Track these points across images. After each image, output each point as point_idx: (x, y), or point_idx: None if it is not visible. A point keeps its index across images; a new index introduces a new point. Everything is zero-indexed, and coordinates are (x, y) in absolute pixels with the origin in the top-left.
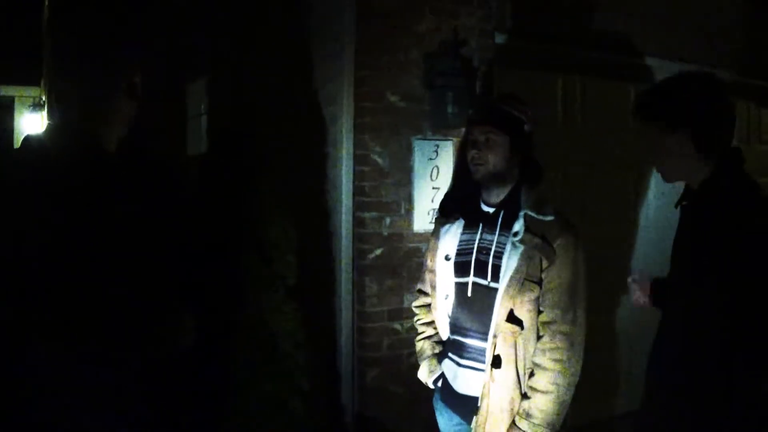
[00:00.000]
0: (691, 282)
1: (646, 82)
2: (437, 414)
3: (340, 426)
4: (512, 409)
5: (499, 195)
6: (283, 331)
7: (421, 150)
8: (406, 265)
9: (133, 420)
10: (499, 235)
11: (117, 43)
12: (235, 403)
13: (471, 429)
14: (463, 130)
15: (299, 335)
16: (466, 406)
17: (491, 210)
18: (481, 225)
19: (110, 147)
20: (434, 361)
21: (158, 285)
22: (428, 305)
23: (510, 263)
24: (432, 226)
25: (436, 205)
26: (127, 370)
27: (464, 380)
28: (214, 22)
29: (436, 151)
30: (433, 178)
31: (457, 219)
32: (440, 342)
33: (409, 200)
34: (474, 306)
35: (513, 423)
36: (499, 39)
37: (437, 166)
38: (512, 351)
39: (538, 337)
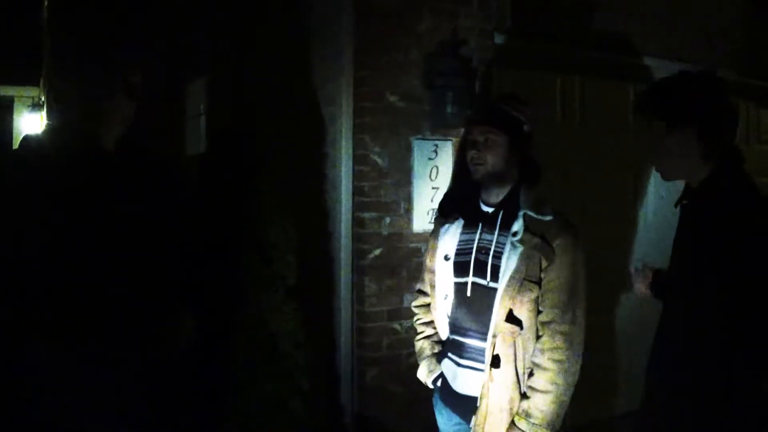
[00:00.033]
0: (691, 282)
1: (645, 82)
2: (436, 414)
3: (340, 426)
4: (511, 409)
5: (498, 195)
6: (283, 331)
7: (420, 150)
8: (406, 265)
9: (133, 420)
10: (498, 235)
11: (116, 43)
12: (235, 403)
13: (470, 429)
14: (463, 130)
15: (299, 335)
16: (466, 406)
17: (490, 210)
18: (480, 225)
19: (109, 147)
20: (433, 361)
21: (158, 285)
22: (428, 305)
23: (509, 263)
24: (431, 226)
25: (436, 205)
26: (127, 370)
27: (463, 380)
28: (214, 22)
29: (436, 151)
30: (432, 178)
31: (457, 219)
32: (440, 342)
33: (409, 200)
34: (473, 306)
35: (512, 423)
36: (499, 39)
37: (436, 166)
38: (511, 351)
39: (538, 337)
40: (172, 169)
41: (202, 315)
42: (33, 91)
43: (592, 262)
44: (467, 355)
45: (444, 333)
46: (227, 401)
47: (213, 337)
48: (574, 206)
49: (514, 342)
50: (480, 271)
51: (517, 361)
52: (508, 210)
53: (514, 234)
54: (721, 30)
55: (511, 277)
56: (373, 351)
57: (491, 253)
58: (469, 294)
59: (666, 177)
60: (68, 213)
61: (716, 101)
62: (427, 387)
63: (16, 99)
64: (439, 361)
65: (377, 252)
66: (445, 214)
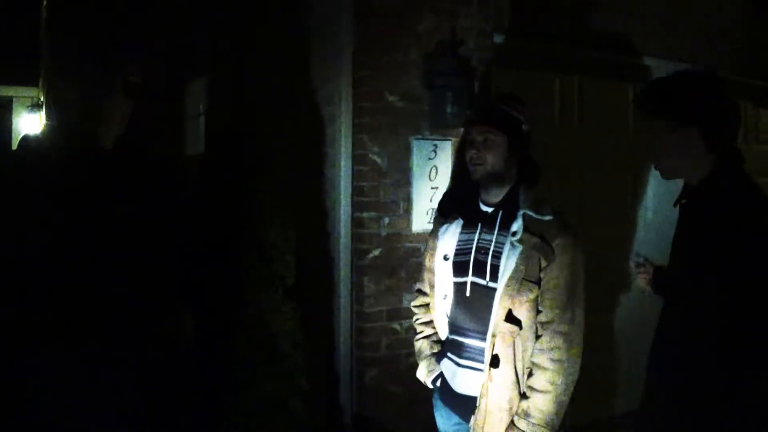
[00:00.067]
0: (690, 281)
1: (645, 82)
2: (436, 413)
3: (339, 426)
4: (511, 409)
5: (497, 195)
6: (283, 331)
7: (419, 150)
8: (405, 265)
9: (133, 420)
10: (497, 234)
11: (115, 43)
12: (235, 403)
13: (470, 428)
14: (462, 130)
15: (298, 335)
16: (465, 406)
17: (490, 210)
18: (479, 225)
19: (109, 147)
20: (433, 361)
21: (158, 285)
22: (427, 305)
23: (509, 263)
24: (430, 226)
25: (435, 205)
26: (127, 370)
27: (463, 380)
28: (213, 22)
29: (435, 151)
30: (431, 178)
31: (456, 219)
32: (439, 341)
33: (408, 200)
34: (473, 306)
35: (512, 422)
36: (498, 39)
37: (436, 166)
38: (511, 351)
39: (537, 337)
40: (171, 169)
41: (202, 315)
42: (32, 92)
43: (591, 262)
44: (466, 355)
45: (443, 333)
46: (227, 401)
47: (213, 337)
48: (573, 206)
49: (514, 342)
50: (479, 271)
51: (517, 361)
52: (508, 210)
53: (514, 234)
54: (721, 30)
55: (511, 277)
56: (372, 351)
57: (490, 252)
58: (468, 294)
59: (665, 176)
60: (68, 213)
61: (720, 100)
62: (427, 387)
63: (14, 99)
64: (438, 361)
65: (376, 252)
66: (444, 213)
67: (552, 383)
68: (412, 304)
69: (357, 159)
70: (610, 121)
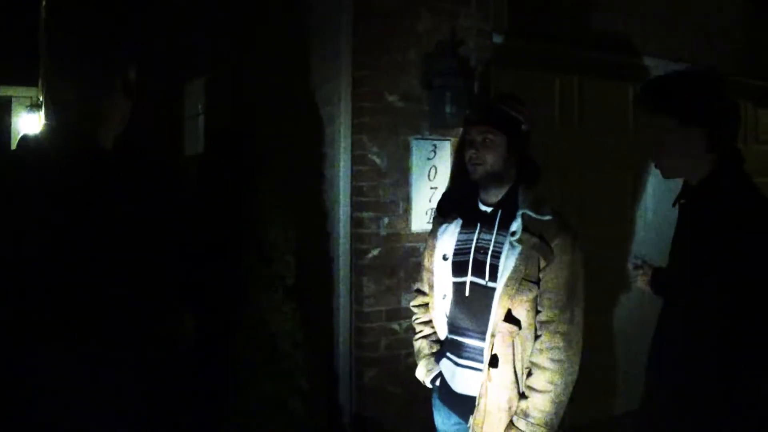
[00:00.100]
0: (690, 281)
1: (645, 82)
2: (435, 413)
3: (338, 426)
4: (510, 409)
5: (496, 195)
6: (283, 331)
7: (418, 150)
8: (404, 265)
9: (133, 420)
10: (496, 234)
11: (114, 43)
12: (235, 403)
13: (469, 428)
14: (461, 130)
15: (298, 335)
16: (464, 406)
17: (489, 210)
18: (478, 225)
19: (108, 147)
20: (432, 360)
21: (158, 285)
22: (426, 304)
23: (508, 263)
24: (430, 226)
25: (434, 204)
26: (127, 370)
27: (462, 380)
28: (213, 22)
29: (434, 151)
30: (430, 177)
31: (455, 219)
32: (438, 341)
33: (407, 200)
34: (472, 306)
35: (511, 422)
36: (497, 39)
37: (435, 166)
38: (510, 351)
39: (536, 337)
40: (171, 169)
41: (202, 315)
42: (31, 92)
43: (591, 262)
44: (466, 355)
45: (442, 333)
46: (227, 401)
47: (213, 337)
48: (573, 206)
49: (513, 342)
50: (478, 271)
51: (516, 361)
52: (507, 210)
53: (513, 234)
54: (721, 30)
55: (510, 277)
56: (371, 351)
57: (490, 252)
58: (467, 294)
59: (666, 175)
60: (68, 213)
61: (722, 101)
62: (426, 387)
63: (13, 99)
64: (437, 361)
65: (375, 252)
66: (443, 213)
67: (551, 383)
68: (411, 303)
69: (356, 159)
70: (610, 121)
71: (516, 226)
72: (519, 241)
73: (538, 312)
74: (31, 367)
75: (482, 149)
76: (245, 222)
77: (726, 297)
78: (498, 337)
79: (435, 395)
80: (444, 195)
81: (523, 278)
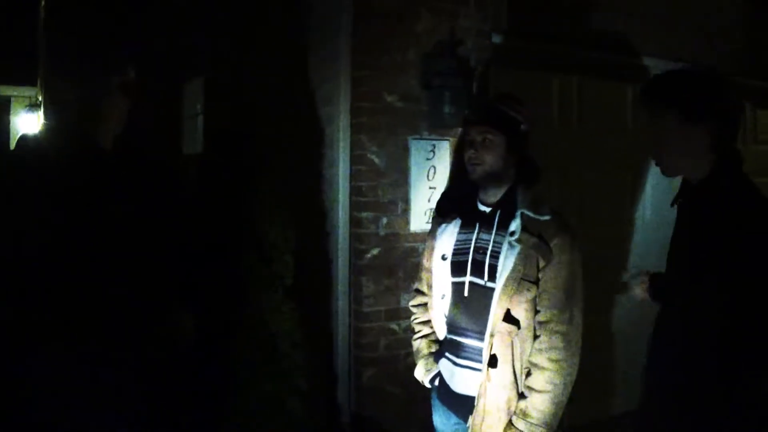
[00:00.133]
0: (690, 281)
1: (644, 82)
2: (434, 413)
3: (337, 426)
4: (509, 409)
5: (495, 195)
6: (282, 331)
7: (417, 150)
8: (403, 265)
9: (133, 420)
10: (495, 234)
11: (113, 43)
12: (236, 403)
13: (468, 428)
14: (460, 130)
15: (297, 335)
16: (464, 406)
17: (488, 209)
18: (477, 225)
19: (107, 147)
20: (430, 360)
21: (158, 285)
22: (425, 304)
23: (507, 263)
24: (428, 226)
25: (433, 204)
26: (127, 370)
27: (461, 380)
28: (212, 22)
29: (433, 151)
30: (429, 178)
31: (454, 219)
32: (437, 341)
33: (406, 200)
34: (471, 306)
35: (510, 422)
36: (496, 39)
37: (434, 166)
38: (509, 351)
39: (535, 337)
40: (171, 169)
41: (202, 315)
42: (30, 91)
43: (591, 262)
44: (464, 355)
45: (441, 333)
46: (227, 401)
47: (213, 337)
48: (572, 206)
49: (512, 342)
50: (477, 271)
51: (515, 361)
52: (506, 210)
53: (512, 233)
54: (721, 30)
55: (509, 277)
56: (370, 351)
57: (488, 252)
58: (466, 294)
59: (666, 173)
60: (68, 213)
61: (729, 99)
62: (425, 387)
63: (12, 99)
64: (436, 361)
65: (375, 252)
66: (442, 213)
67: (550, 383)
68: (410, 303)
69: (355, 159)
70: (609, 121)
71: (515, 226)
72: (518, 241)
73: (537, 312)
74: (31, 367)
75: (481, 149)
76: (245, 222)
77: (726, 297)
78: (497, 337)
79: (434, 395)
80: (443, 195)
81: (521, 278)
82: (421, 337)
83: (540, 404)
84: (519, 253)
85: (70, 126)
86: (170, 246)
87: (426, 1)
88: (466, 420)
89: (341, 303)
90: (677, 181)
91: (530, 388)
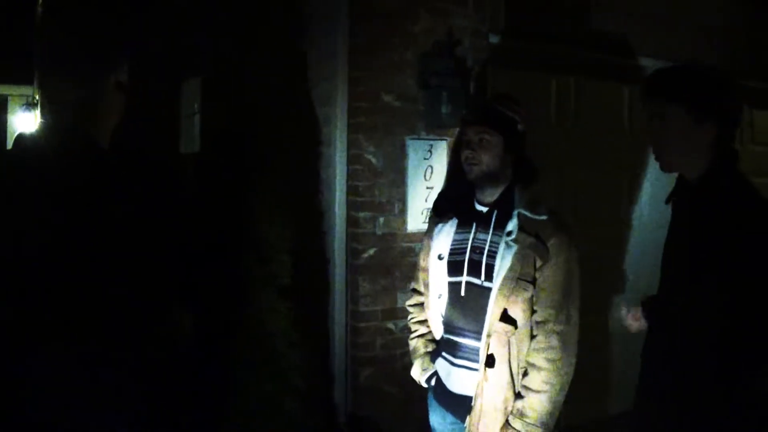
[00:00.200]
0: (689, 281)
1: (642, 83)
2: (431, 413)
3: (334, 426)
4: (506, 409)
5: (492, 194)
6: (279, 331)
7: (415, 150)
8: (400, 265)
9: (133, 420)
10: (492, 234)
11: (111, 42)
12: (236, 404)
13: (465, 428)
14: (457, 130)
15: (293, 335)
16: (460, 406)
17: (485, 209)
18: (474, 224)
19: (106, 146)
20: (427, 360)
21: (158, 285)
22: (422, 304)
23: (504, 262)
24: (425, 226)
25: (430, 204)
26: (127, 370)
27: (458, 379)
28: (211, 21)
29: (430, 151)
30: (426, 177)
31: (451, 218)
32: (434, 340)
33: (403, 200)
34: (467, 305)
35: (507, 422)
36: (493, 39)
37: (431, 166)
38: (506, 350)
39: (532, 337)
40: (171, 169)
41: (201, 315)
42: (27, 90)
43: (587, 262)
44: (461, 355)
45: (438, 332)
46: (227, 401)
47: (213, 337)
48: (568, 206)
49: (509, 341)
50: (474, 271)
51: (512, 361)
52: (503, 209)
53: (509, 233)
54: (721, 30)
55: (506, 277)
56: (367, 351)
57: (485, 252)
58: (463, 293)
59: (666, 169)
60: (67, 213)
61: (736, 98)
62: (422, 387)
63: (9, 98)
64: (433, 360)
65: (371, 252)
66: (439, 213)
67: (547, 383)
68: (407, 303)
69: (352, 159)
70: (606, 121)
71: (512, 225)
72: (515, 240)
73: (533, 312)
74: (31, 367)
75: (478, 149)
76: (243, 221)
77: (726, 297)
78: (494, 336)
79: (430, 395)
80: (440, 195)
81: (518, 278)
82: (418, 336)
83: (537, 404)
84: (516, 253)
85: (69, 125)
86: (170, 246)
87: (424, 1)
88: (462, 420)
89: (338, 302)
90: (673, 180)
91: (527, 388)
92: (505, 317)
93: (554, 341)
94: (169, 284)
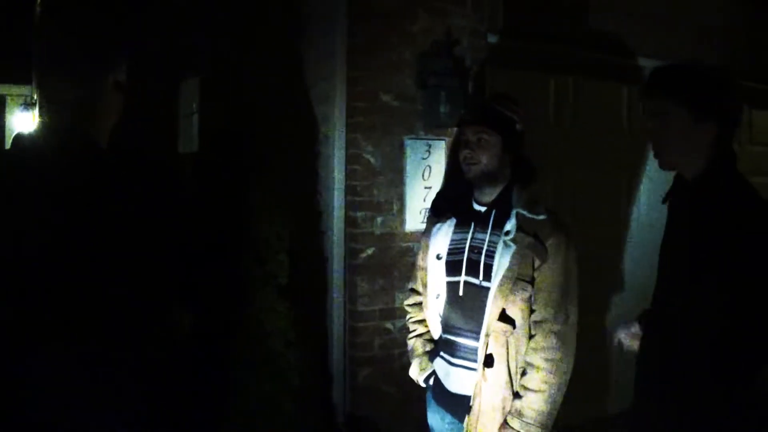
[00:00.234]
0: (688, 281)
1: (640, 82)
2: (429, 413)
3: (332, 425)
4: (504, 408)
5: (491, 194)
6: (277, 331)
7: (413, 149)
8: (398, 265)
9: (133, 420)
10: (491, 234)
11: (109, 41)
12: (236, 404)
13: (463, 428)
14: (456, 129)
15: (290, 334)
16: (459, 405)
17: (483, 209)
18: (473, 224)
19: (105, 145)
20: (425, 359)
21: (158, 285)
22: (420, 303)
23: (502, 262)
24: (424, 226)
25: (428, 204)
26: (127, 370)
27: (456, 379)
28: (209, 21)
29: (429, 151)
30: (425, 177)
31: (449, 218)
32: (432, 340)
33: (401, 200)
34: (466, 305)
35: (505, 422)
36: (492, 39)
37: (429, 166)
38: (504, 350)
39: (530, 336)
40: (170, 168)
41: (202, 315)
42: (25, 90)
43: (586, 262)
44: (460, 354)
45: (436, 332)
46: (227, 401)
47: (213, 337)
48: (567, 206)
49: (507, 341)
50: (472, 270)
51: (510, 361)
52: (501, 209)
53: (507, 233)
54: (721, 30)
55: (504, 276)
56: (365, 350)
57: (484, 252)
58: (461, 293)
59: (665, 166)
60: (67, 212)
61: (737, 99)
62: (420, 386)
63: (8, 97)
64: (431, 360)
65: (370, 251)
66: (437, 213)
67: (545, 383)
68: (405, 302)
69: (351, 158)
70: (604, 121)
71: (510, 225)
72: (513, 240)
73: (532, 311)
74: (31, 367)
75: (477, 149)
76: (242, 221)
77: (725, 297)
78: (492, 336)
79: (429, 394)
80: (438, 194)
81: (517, 278)
82: (416, 336)
83: (535, 403)
84: (514, 253)
85: (67, 125)
86: (170, 245)
87: (422, 1)
88: (461, 419)
89: (336, 302)
90: (672, 180)
91: (525, 388)
92: (504, 317)
93: (553, 341)
94: (169, 284)
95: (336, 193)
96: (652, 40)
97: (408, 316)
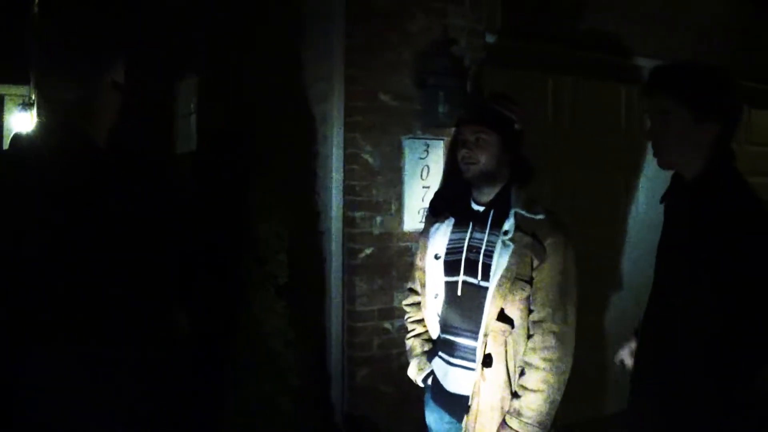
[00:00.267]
0: (687, 281)
1: (639, 83)
2: (428, 412)
3: (330, 425)
4: (503, 408)
5: (489, 194)
6: (276, 330)
7: (411, 149)
8: (397, 265)
9: (133, 420)
10: (489, 233)
11: (107, 41)
12: (236, 404)
13: (462, 427)
14: (454, 129)
15: (289, 334)
16: (457, 405)
17: (481, 209)
18: (471, 224)
19: (102, 145)
20: (424, 359)
21: (158, 285)
22: (418, 303)
23: (500, 262)
24: (422, 226)
25: (427, 204)
26: (127, 370)
27: (455, 379)
28: (207, 21)
29: (427, 151)
30: (423, 177)
31: (448, 218)
32: (430, 340)
33: (400, 199)
34: (464, 305)
35: (504, 421)
36: (490, 39)
37: (428, 166)
38: (502, 350)
39: (529, 336)
40: (169, 168)
41: (202, 315)
42: (24, 90)
43: (584, 262)
44: (458, 354)
45: (435, 332)
46: (227, 401)
47: (213, 337)
48: (566, 206)
49: (505, 341)
50: (471, 270)
51: (508, 360)
52: (499, 209)
53: (505, 233)
54: (720, 30)
55: (503, 276)
56: (363, 350)
57: (482, 251)
58: (459, 293)
59: (664, 165)
60: (67, 213)
61: (738, 99)
62: (418, 387)
63: (6, 97)
64: (429, 360)
65: (368, 251)
66: (436, 213)
67: (544, 382)
68: (404, 302)
69: (349, 158)
70: (603, 121)
71: (509, 225)
72: (511, 240)
73: (530, 311)
74: (31, 367)
75: (475, 149)
76: (241, 221)
77: (724, 297)
78: (491, 336)
79: (427, 394)
80: (436, 194)
81: (515, 277)
82: (415, 336)
83: (534, 403)
84: (513, 253)
85: (66, 125)
86: (170, 245)
87: (421, 0)
88: (459, 419)
89: (335, 302)
90: (669, 180)
91: (524, 387)
92: (502, 317)
93: (551, 341)
94: (169, 284)
95: (334, 192)
96: (651, 40)
97: (406, 316)
